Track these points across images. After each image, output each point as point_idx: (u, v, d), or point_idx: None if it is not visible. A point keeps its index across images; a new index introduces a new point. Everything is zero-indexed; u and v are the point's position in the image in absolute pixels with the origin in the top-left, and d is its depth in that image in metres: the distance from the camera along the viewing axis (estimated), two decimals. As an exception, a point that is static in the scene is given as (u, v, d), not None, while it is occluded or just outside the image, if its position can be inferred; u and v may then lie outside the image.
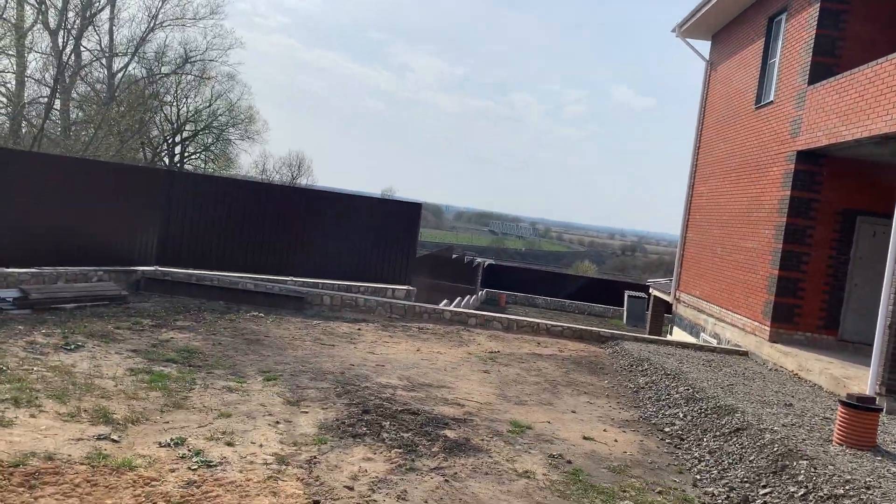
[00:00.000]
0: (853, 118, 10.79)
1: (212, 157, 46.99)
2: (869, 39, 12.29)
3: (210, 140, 46.98)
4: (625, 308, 34.03)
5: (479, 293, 34.79)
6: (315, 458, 5.98)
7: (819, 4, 12.44)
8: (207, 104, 44.99)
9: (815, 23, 12.50)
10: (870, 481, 6.06)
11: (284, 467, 5.71)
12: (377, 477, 5.73)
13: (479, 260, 37.26)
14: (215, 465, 5.56)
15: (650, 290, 23.70)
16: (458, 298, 28.08)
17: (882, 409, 8.29)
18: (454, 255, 31.76)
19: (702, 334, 16.40)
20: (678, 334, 18.35)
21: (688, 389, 9.55)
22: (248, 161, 68.54)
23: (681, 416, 8.65)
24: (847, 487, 5.89)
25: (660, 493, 6.23)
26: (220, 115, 46.25)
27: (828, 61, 12.46)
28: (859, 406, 7.22)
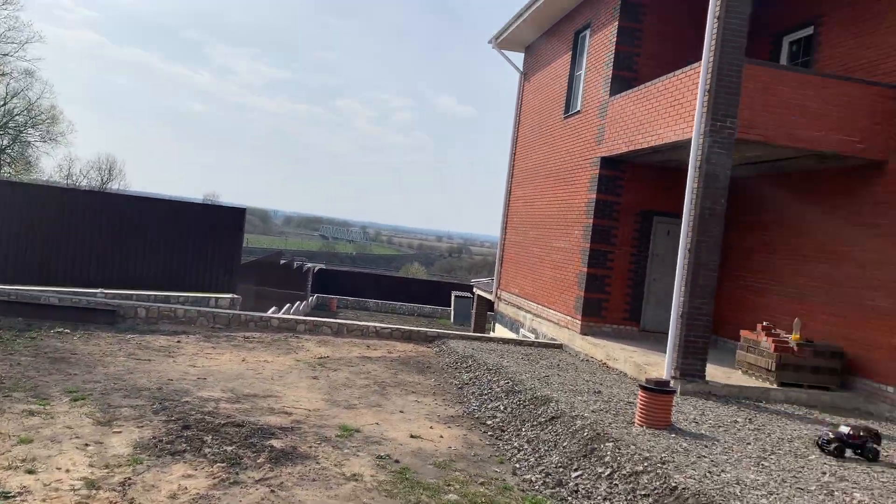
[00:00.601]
0: (648, 128, 11.86)
1: (8, 161, 42.89)
2: (661, 57, 13.55)
3: (6, 142, 42.82)
4: (452, 308, 35.01)
5: (310, 299, 34.34)
6: (130, 479, 5.68)
7: (617, 23, 13.54)
8: (2, 102, 41.00)
9: (615, 39, 13.60)
10: (665, 456, 6.71)
11: (95, 492, 5.37)
12: (198, 493, 5.54)
13: (308, 265, 36.79)
14: (13, 496, 5.12)
15: (474, 290, 24.55)
16: (288, 305, 27.56)
17: (676, 391, 9.20)
18: (283, 261, 31.12)
19: (521, 330, 17.26)
20: (500, 331, 19.19)
21: (508, 382, 10.05)
22: (51, 165, 63.51)
23: (502, 408, 9.09)
24: (646, 464, 6.48)
25: (482, 483, 6.52)
26: (18, 114, 42.38)
27: (627, 75, 13.59)
28: (656, 389, 7.96)
